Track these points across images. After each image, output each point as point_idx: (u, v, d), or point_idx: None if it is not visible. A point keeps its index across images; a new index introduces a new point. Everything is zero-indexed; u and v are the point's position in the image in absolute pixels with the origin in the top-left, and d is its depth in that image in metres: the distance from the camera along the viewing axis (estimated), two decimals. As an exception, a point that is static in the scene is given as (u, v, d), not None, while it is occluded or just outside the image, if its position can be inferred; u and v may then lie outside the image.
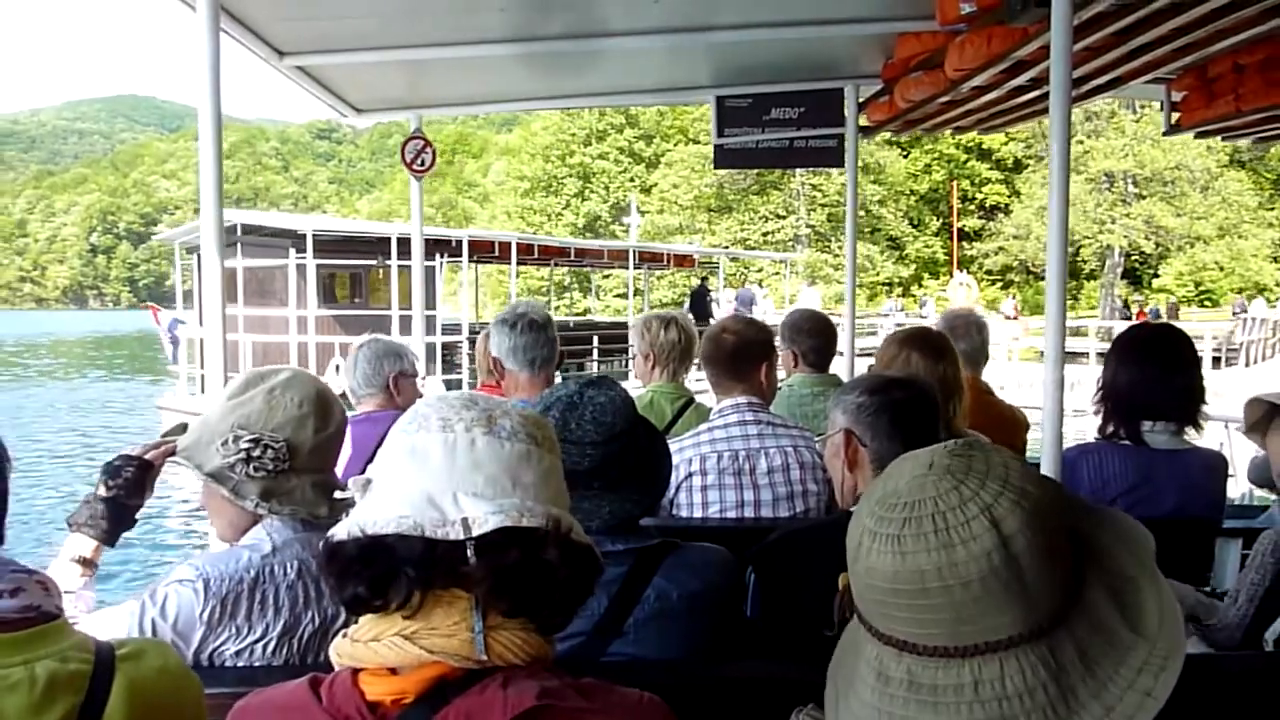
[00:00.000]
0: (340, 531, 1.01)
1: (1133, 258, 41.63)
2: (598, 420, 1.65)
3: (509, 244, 19.44)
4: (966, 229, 45.60)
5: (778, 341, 3.72)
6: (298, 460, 1.68)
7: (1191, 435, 2.71)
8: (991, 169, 47.34)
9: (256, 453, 1.64)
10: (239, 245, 16.11)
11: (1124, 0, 2.91)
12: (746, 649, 1.76)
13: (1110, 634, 0.89)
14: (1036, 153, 42.66)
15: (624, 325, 19.64)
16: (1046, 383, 2.77)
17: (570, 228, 51.55)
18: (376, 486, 1.05)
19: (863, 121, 5.23)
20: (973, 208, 47.40)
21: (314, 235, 15.62)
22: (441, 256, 17.73)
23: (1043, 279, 42.64)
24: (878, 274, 46.52)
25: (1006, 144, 46.02)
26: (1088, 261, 42.27)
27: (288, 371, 1.77)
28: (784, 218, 47.52)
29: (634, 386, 3.83)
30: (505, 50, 4.29)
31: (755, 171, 44.70)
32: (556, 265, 26.24)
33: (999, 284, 44.48)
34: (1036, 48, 3.37)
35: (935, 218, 48.91)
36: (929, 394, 1.92)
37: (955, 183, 44.70)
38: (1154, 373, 2.64)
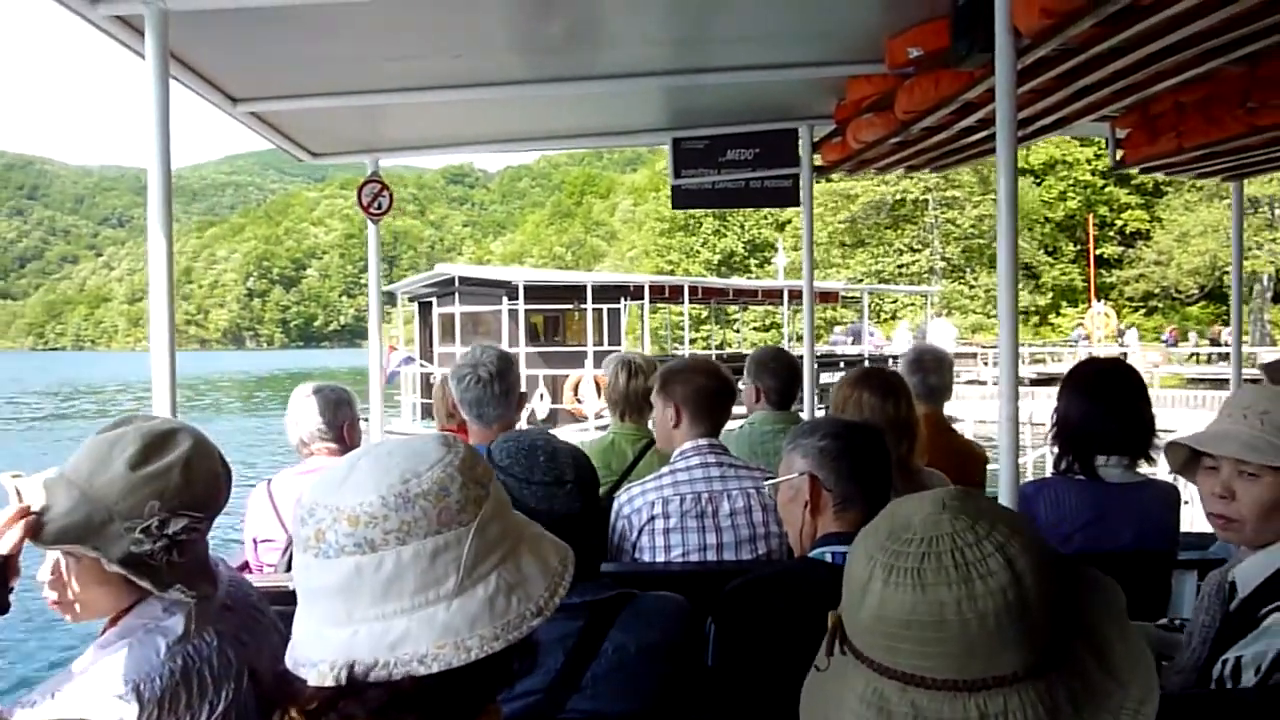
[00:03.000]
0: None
1: (1288, 282, 40.73)
2: (554, 464, 1.66)
3: (680, 287, 22.98)
4: (1106, 255, 45.17)
5: (744, 378, 3.74)
6: (207, 530, 1.52)
7: (1144, 468, 2.75)
8: (1131, 194, 46.47)
9: (182, 536, 1.42)
10: (457, 294, 19.53)
11: (1066, 45, 2.98)
12: (707, 700, 1.74)
13: (1090, 679, 0.95)
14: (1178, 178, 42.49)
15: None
16: (1001, 418, 2.78)
17: (706, 264, 54.26)
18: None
19: (817, 161, 5.30)
20: (1112, 234, 46.69)
21: (524, 285, 18.91)
22: (625, 299, 21.11)
23: (1190, 304, 40.69)
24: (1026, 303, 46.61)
25: (1146, 168, 45.52)
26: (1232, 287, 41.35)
27: (187, 436, 1.52)
28: (918, 251, 48.41)
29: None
30: (462, 95, 4.31)
31: (889, 206, 47.29)
32: (716, 304, 29.44)
33: (1141, 310, 44.10)
34: (983, 90, 3.45)
35: (1073, 245, 48.14)
36: (881, 437, 1.94)
37: (1092, 210, 44.40)
38: (1104, 407, 2.68)
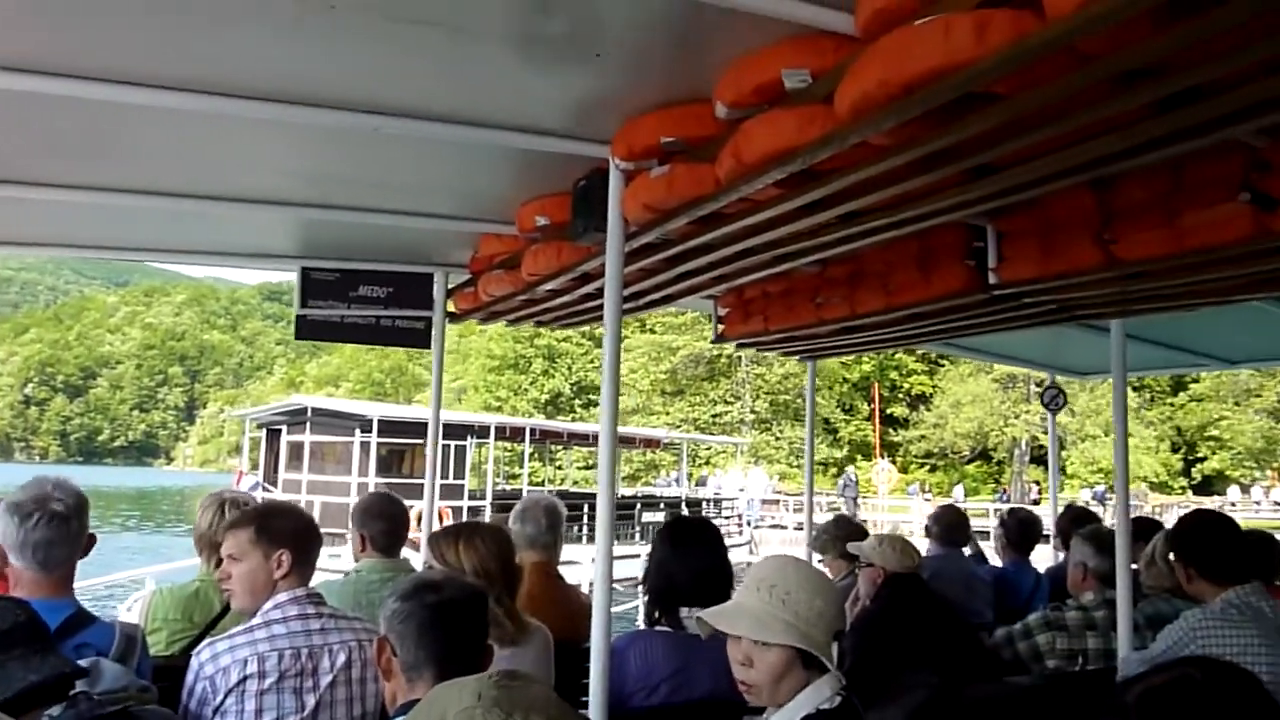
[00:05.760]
0: None
1: (1043, 448, 45.63)
2: None
3: (522, 429, 26.12)
4: (896, 415, 50.58)
5: (349, 525, 3.59)
6: None
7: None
8: (918, 361, 51.52)
9: None
10: (309, 423, 21.02)
11: (666, 236, 3.36)
12: None
13: None
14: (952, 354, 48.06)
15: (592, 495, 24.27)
16: (596, 577, 2.92)
17: (534, 403, 56.20)
18: None
19: (451, 307, 5.39)
20: (901, 395, 51.88)
21: (379, 419, 20.86)
22: (471, 437, 22.89)
23: (967, 463, 46.91)
24: (814, 455, 48.56)
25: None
26: (996, 450, 47.88)
27: None
28: (731, 403, 51.85)
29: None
30: (58, 196, 3.86)
31: (707, 360, 50.76)
32: (551, 444, 31.62)
33: (925, 467, 49.24)
34: (598, 264, 3.75)
35: (867, 403, 51.41)
36: (465, 595, 1.91)
37: (883, 374, 49.66)
38: (685, 562, 2.90)
